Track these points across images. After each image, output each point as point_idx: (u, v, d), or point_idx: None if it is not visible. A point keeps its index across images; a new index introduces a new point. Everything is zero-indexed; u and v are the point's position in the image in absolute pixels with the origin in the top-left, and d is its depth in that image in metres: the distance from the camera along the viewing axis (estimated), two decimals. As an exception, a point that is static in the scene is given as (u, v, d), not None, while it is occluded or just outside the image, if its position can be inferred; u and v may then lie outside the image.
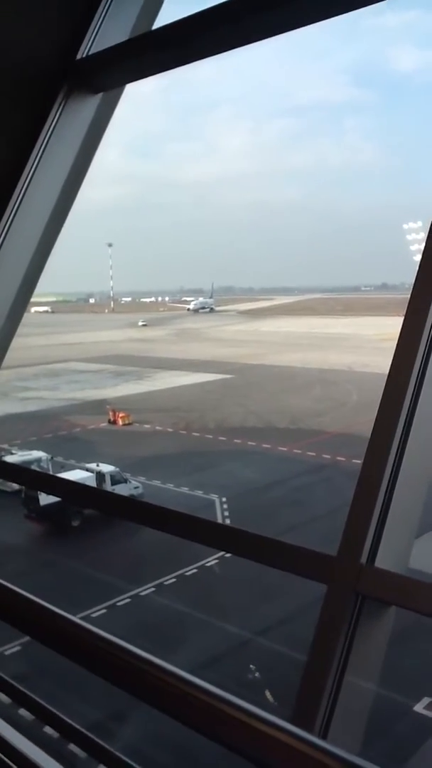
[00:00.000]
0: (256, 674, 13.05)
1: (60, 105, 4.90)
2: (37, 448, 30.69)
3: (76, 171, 5.22)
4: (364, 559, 2.69)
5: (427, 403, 2.88)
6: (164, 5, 5.01)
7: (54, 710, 2.40)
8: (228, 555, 20.97)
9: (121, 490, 24.47)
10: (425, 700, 14.06)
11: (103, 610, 17.61)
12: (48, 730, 2.45)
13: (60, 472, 26.02)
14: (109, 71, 4.97)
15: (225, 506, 25.24)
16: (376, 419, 2.90)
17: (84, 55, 4.87)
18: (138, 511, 4.12)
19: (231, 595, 19.40)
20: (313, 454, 31.59)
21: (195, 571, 20.64)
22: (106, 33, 4.87)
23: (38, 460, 28.36)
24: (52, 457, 29.09)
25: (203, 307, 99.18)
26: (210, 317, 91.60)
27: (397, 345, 2.95)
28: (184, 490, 26.66)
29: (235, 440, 34.36)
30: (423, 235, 3.08)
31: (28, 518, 24.52)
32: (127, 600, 18.57)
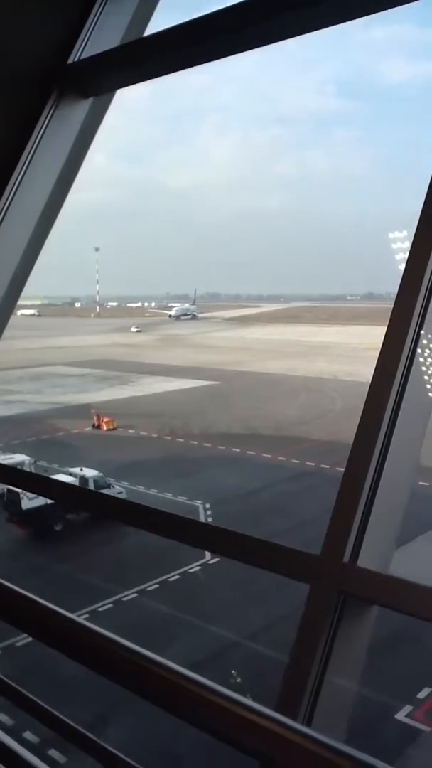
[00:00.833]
0: (238, 679, 13.06)
1: (51, 108, 4.92)
2: (20, 452, 30.54)
3: (66, 174, 5.24)
4: (346, 558, 2.73)
5: (408, 409, 2.94)
6: (156, 12, 5.05)
7: (49, 708, 2.41)
8: (211, 562, 21.05)
9: (105, 495, 24.36)
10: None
11: (86, 615, 17.54)
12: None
13: (43, 476, 25.84)
14: (100, 76, 5.01)
15: (209, 512, 25.24)
16: (360, 423, 2.95)
17: (76, 60, 4.91)
18: (122, 510, 4.14)
19: (214, 601, 19.39)
20: (297, 461, 31.67)
21: (178, 577, 20.62)
22: (98, 38, 4.91)
23: (21, 464, 28.23)
24: (35, 461, 28.95)
25: (185, 314, 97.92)
26: (196, 324, 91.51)
27: (381, 350, 3.01)
28: (168, 495, 26.62)
29: (220, 447, 34.37)
30: (408, 245, 3.14)
31: (10, 522, 24.38)
32: (110, 605, 18.51)
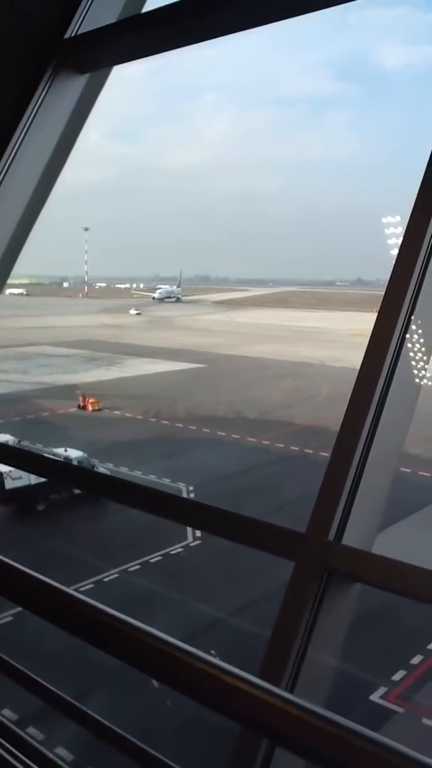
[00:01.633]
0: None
1: (47, 83, 4.89)
2: (4, 431, 30.47)
3: (60, 150, 5.21)
4: (331, 536, 2.78)
5: (397, 393, 2.98)
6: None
7: (41, 680, 2.46)
8: (194, 544, 21.19)
9: (89, 475, 24.37)
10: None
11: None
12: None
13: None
14: (97, 52, 4.97)
15: (192, 494, 25.36)
16: (349, 404, 2.99)
17: (73, 35, 4.87)
18: (108, 486, 4.17)
19: (195, 581, 19.54)
20: (282, 445, 31.84)
21: (159, 558, 20.74)
22: (96, 14, 4.86)
23: (5, 444, 28.17)
24: (19, 441, 28.90)
25: (169, 297, 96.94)
26: (182, 307, 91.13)
27: (372, 334, 3.04)
28: (152, 477, 26.70)
29: (205, 429, 34.47)
30: (401, 230, 3.17)
31: (-7, 501, 24.41)
32: (91, 585, 18.58)
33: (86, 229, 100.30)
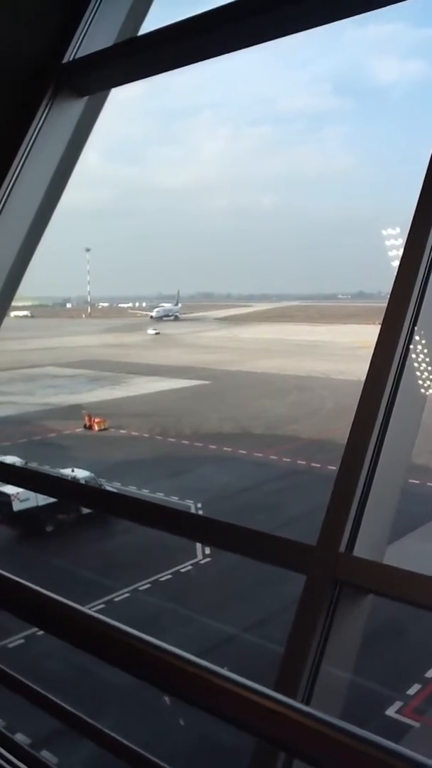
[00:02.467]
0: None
1: (46, 107, 4.94)
2: (11, 453, 30.46)
3: (60, 173, 5.26)
4: (342, 548, 2.78)
5: (403, 403, 2.99)
6: (150, 11, 5.08)
7: (51, 696, 2.45)
8: (203, 561, 21.10)
9: (97, 495, 24.34)
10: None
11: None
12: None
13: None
14: (94, 75, 5.03)
15: (200, 511, 25.28)
16: (356, 415, 3.00)
17: (70, 59, 4.93)
18: (117, 504, 4.16)
19: (205, 599, 19.45)
20: (289, 460, 31.76)
21: (170, 576, 20.65)
22: (93, 37, 4.93)
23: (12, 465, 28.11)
24: (26, 463, 28.90)
25: (167, 315, 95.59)
26: (186, 324, 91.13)
27: (376, 346, 3.05)
28: (160, 495, 26.64)
29: (211, 446, 34.42)
30: (401, 242, 3.18)
31: (1, 523, 24.38)
32: (102, 606, 18.51)
33: (88, 250, 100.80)
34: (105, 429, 38.15)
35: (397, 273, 3.07)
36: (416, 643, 16.13)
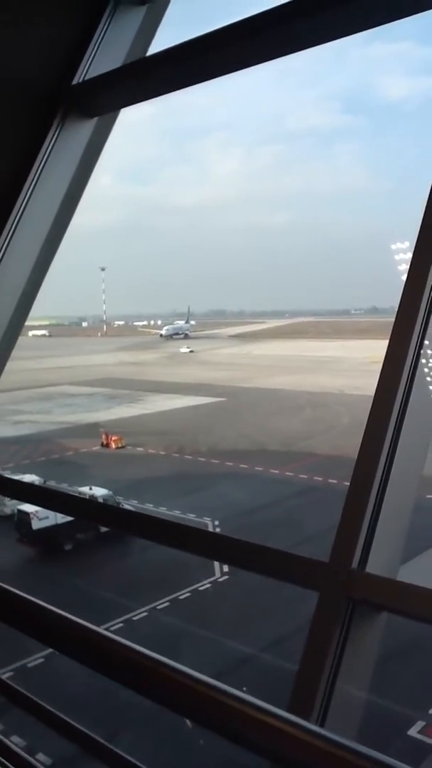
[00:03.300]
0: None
1: (56, 129, 5.00)
2: (30, 472, 30.54)
3: (71, 194, 5.30)
4: (355, 565, 2.75)
5: (412, 418, 2.96)
6: (159, 32, 5.14)
7: (52, 709, 2.43)
8: (222, 579, 20.98)
9: (114, 513, 24.36)
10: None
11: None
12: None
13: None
14: (104, 96, 5.08)
15: (218, 529, 25.17)
16: (365, 431, 2.97)
17: (80, 80, 4.98)
18: (133, 522, 4.15)
19: (224, 617, 19.32)
20: (305, 476, 31.61)
21: (188, 594, 20.55)
22: (102, 58, 4.98)
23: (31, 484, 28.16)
24: (44, 481, 28.98)
25: (177, 333, 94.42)
26: (200, 341, 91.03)
27: (384, 361, 3.03)
28: (177, 512, 26.58)
29: (227, 463, 34.33)
30: (410, 255, 3.17)
31: (21, 542, 24.41)
32: (120, 624, 18.43)
33: (103, 269, 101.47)
34: (122, 447, 38.21)
35: (405, 286, 3.05)
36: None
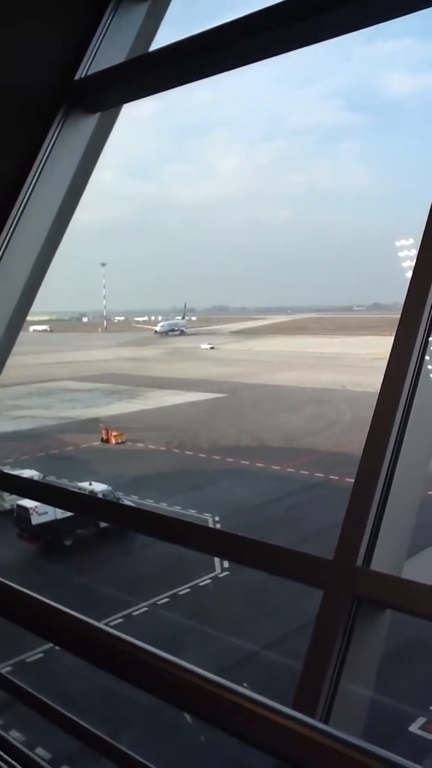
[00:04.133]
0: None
1: (58, 124, 4.99)
2: (30, 467, 30.55)
3: (73, 189, 5.30)
4: (360, 562, 2.74)
5: (418, 413, 2.95)
6: (161, 28, 5.13)
7: (56, 706, 2.44)
8: (222, 575, 21.00)
9: (114, 509, 24.37)
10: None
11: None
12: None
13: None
14: (106, 91, 5.07)
15: (218, 525, 25.19)
16: (371, 427, 2.96)
17: (82, 76, 4.97)
18: (134, 518, 4.15)
19: (224, 613, 19.34)
20: (307, 472, 31.60)
21: (188, 590, 20.58)
22: (104, 54, 4.97)
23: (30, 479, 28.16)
24: (44, 477, 28.98)
25: (173, 330, 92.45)
26: (202, 337, 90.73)
27: (390, 356, 3.02)
28: (177, 509, 26.60)
29: (229, 459, 34.34)
30: (414, 252, 3.15)
31: (21, 537, 24.43)
32: (120, 619, 18.46)
33: (103, 265, 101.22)
34: (122, 442, 38.21)
35: (410, 283, 3.04)
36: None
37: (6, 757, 2.54)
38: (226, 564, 21.35)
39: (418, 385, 2.95)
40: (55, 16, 5.05)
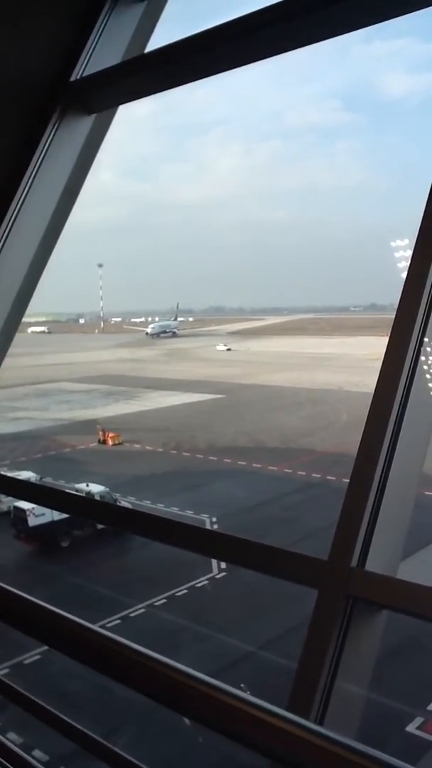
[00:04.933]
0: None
1: (54, 125, 4.98)
2: (27, 469, 30.53)
3: (69, 190, 5.29)
4: (354, 562, 2.74)
5: (413, 413, 2.96)
6: (157, 29, 5.13)
7: (51, 709, 2.43)
8: (219, 576, 21.00)
9: (111, 510, 24.37)
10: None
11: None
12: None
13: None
14: (102, 92, 5.07)
15: (215, 526, 25.20)
16: (365, 428, 2.97)
17: (78, 77, 4.97)
18: (130, 520, 4.15)
19: (221, 614, 19.35)
20: (304, 473, 31.62)
21: (185, 591, 20.57)
22: (100, 55, 4.97)
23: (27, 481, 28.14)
24: (41, 478, 28.96)
25: (164, 331, 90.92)
26: (199, 338, 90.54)
27: (384, 358, 3.03)
28: (174, 509, 26.60)
29: (226, 460, 34.35)
30: (410, 253, 3.16)
31: (17, 538, 24.42)
32: (118, 621, 18.44)
33: (100, 266, 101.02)
34: (119, 444, 38.20)
35: (405, 283, 3.05)
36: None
37: (2, 760, 2.54)
38: (223, 565, 21.35)
39: (413, 385, 2.96)
40: (51, 16, 5.05)
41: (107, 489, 26.86)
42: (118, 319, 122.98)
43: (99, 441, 38.70)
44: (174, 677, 1.70)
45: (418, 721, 14.15)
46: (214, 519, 25.86)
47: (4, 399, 48.87)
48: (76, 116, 5.11)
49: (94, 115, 5.20)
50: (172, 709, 1.75)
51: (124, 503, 26.07)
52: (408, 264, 3.12)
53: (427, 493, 21.23)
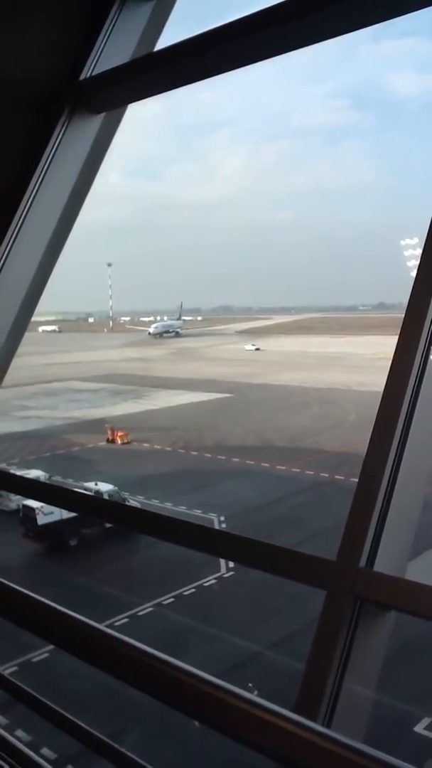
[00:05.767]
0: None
1: (63, 125, 4.98)
2: (36, 467, 30.65)
3: (78, 190, 5.28)
4: (363, 563, 2.73)
5: (423, 412, 2.94)
6: (166, 28, 5.12)
7: (57, 708, 2.43)
8: (227, 575, 21.01)
9: (120, 509, 24.42)
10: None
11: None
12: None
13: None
14: (111, 92, 5.05)
15: (223, 525, 25.21)
16: (374, 428, 2.95)
17: (86, 76, 4.96)
18: (139, 519, 4.15)
19: (229, 613, 19.35)
20: (312, 472, 31.58)
21: (193, 590, 20.59)
22: (109, 54, 4.96)
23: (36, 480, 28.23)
24: (50, 477, 29.05)
25: (167, 331, 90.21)
26: (207, 337, 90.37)
27: (394, 357, 3.01)
28: (183, 509, 26.62)
29: (234, 459, 34.35)
30: (419, 251, 3.14)
31: (26, 537, 24.49)
32: (126, 620, 18.46)
33: (109, 265, 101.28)
34: (128, 443, 38.27)
35: (415, 282, 3.03)
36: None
37: (8, 758, 2.54)
38: (231, 564, 21.35)
39: (422, 384, 2.94)
40: (59, 16, 5.05)
41: (116, 488, 26.90)
42: (127, 318, 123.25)
43: (108, 440, 38.80)
44: (180, 678, 1.70)
45: (426, 721, 14.12)
46: (222, 518, 25.86)
47: (14, 398, 49.01)
48: (85, 116, 5.10)
49: (102, 115, 5.19)
50: (178, 710, 1.74)
51: (132, 502, 26.12)
52: (418, 262, 3.10)
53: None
